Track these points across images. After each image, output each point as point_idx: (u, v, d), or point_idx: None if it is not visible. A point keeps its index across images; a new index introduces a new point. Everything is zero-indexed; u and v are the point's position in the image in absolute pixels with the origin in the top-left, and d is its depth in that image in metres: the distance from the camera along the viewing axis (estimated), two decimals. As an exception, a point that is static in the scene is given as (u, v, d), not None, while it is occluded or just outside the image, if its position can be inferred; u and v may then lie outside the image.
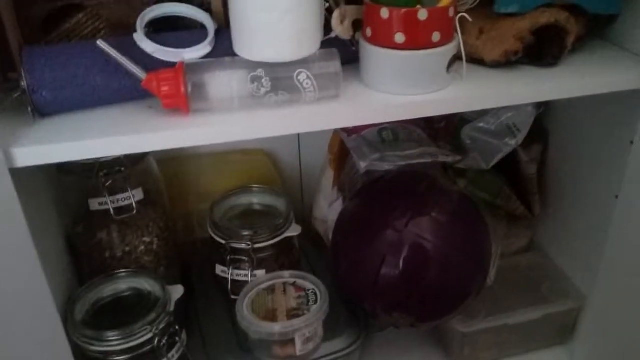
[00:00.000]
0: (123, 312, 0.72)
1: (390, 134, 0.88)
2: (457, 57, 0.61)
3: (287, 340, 0.74)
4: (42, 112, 0.56)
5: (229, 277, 0.83)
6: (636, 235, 0.74)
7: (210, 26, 0.60)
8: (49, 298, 0.60)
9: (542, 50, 0.65)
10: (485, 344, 0.87)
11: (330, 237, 0.86)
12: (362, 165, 0.82)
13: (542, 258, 0.97)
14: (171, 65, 0.56)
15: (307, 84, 0.57)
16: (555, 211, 0.93)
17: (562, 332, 0.90)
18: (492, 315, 0.85)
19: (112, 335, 0.68)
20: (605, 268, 0.80)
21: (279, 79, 0.56)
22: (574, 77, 0.64)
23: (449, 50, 0.59)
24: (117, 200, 0.74)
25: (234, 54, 0.57)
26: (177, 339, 0.73)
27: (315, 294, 0.78)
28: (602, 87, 0.65)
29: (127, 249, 0.78)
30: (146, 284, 0.75)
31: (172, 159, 0.93)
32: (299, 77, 0.56)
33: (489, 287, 0.83)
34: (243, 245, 0.81)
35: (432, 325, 0.84)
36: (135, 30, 0.57)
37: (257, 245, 0.81)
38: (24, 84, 0.54)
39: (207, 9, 0.63)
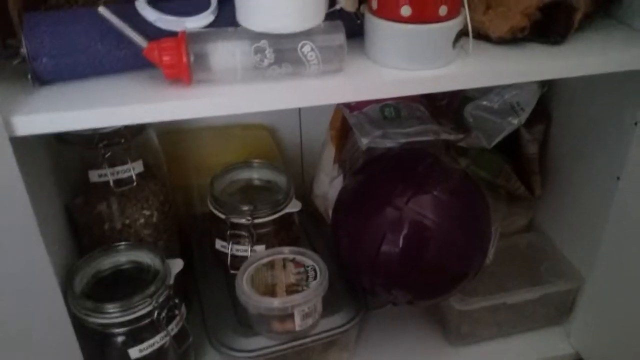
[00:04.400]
0: (122, 284, 0.72)
1: (393, 111, 0.87)
2: (463, 33, 0.60)
3: (286, 316, 0.74)
4: (43, 80, 0.55)
5: (229, 251, 0.83)
6: (637, 217, 0.74)
7: (214, -5, 0.59)
8: (49, 268, 0.60)
9: (549, 27, 0.64)
10: (483, 322, 0.87)
11: (331, 213, 0.85)
12: (364, 141, 0.81)
13: (542, 238, 0.97)
14: (173, 34, 0.55)
15: (311, 56, 0.56)
16: (555, 192, 0.93)
17: (559, 313, 0.91)
18: (490, 294, 0.85)
19: (111, 307, 0.68)
20: (604, 249, 0.80)
21: (282, 50, 0.55)
22: (581, 55, 0.64)
23: (455, 25, 0.58)
24: (117, 172, 0.74)
25: (237, 24, 0.56)
26: (176, 312, 0.74)
27: (315, 270, 0.78)
28: (609, 66, 0.64)
29: (127, 221, 0.77)
30: (146, 257, 0.75)
31: (172, 132, 0.93)
32: (302, 49, 0.56)
33: (487, 266, 0.83)
34: (243, 221, 0.81)
35: (431, 303, 0.84)
36: (137, -2, 0.56)
37: (257, 221, 0.81)
38: (23, 50, 0.53)
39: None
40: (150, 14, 0.56)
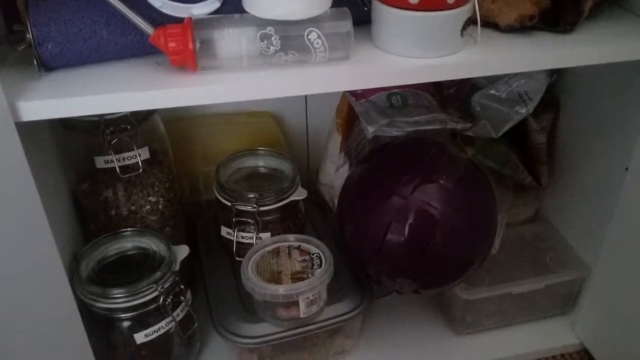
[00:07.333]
0: (128, 270, 0.72)
1: (399, 99, 0.87)
2: (471, 21, 0.60)
3: (291, 303, 0.74)
4: (48, 65, 0.55)
5: (234, 239, 0.83)
6: (644, 207, 0.74)
7: (220, -19, 0.59)
8: (55, 253, 0.60)
9: (558, 15, 0.64)
10: (488, 311, 0.87)
11: (336, 202, 0.85)
12: (371, 130, 0.81)
13: (548, 228, 0.96)
14: (179, 20, 0.55)
15: (317, 43, 0.56)
16: (562, 182, 0.93)
17: (564, 303, 0.91)
18: (496, 284, 0.85)
19: (117, 292, 0.68)
20: (611, 240, 0.80)
21: (289, 37, 0.55)
22: (590, 44, 0.63)
23: (463, 12, 0.58)
24: (123, 159, 0.74)
25: (243, 11, 0.56)
26: (181, 298, 0.74)
27: (320, 258, 0.78)
28: (618, 55, 0.64)
29: (133, 207, 0.78)
30: (152, 243, 0.75)
31: (178, 119, 0.93)
32: (309, 37, 0.55)
33: (493, 256, 0.83)
34: (249, 208, 0.81)
35: (436, 292, 0.84)
36: (143, -16, 0.56)
37: (262, 208, 0.81)
38: (29, 36, 0.53)
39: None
40: (156, 0, 0.56)
